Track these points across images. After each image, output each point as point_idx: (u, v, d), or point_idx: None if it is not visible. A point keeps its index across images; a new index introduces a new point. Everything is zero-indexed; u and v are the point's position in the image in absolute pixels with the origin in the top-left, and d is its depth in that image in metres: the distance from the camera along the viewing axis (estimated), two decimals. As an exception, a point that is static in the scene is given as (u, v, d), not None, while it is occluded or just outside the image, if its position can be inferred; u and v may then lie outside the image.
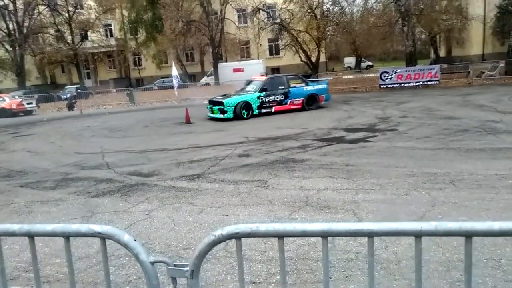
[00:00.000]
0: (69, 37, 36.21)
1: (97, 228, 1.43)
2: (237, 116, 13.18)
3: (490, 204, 4.29)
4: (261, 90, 13.77)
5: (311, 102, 14.39)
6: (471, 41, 31.64)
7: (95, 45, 37.93)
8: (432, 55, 37.14)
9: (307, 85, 14.64)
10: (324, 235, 1.26)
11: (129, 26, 40.31)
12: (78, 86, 33.89)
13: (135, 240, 1.40)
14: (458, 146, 7.14)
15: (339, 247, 3.52)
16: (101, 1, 36.01)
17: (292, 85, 14.27)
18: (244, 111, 13.31)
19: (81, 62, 38.52)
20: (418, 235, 1.21)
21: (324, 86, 15.09)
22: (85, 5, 36.82)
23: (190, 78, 35.17)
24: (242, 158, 7.43)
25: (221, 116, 13.40)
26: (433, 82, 19.66)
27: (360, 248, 3.50)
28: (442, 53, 38.25)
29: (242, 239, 1.36)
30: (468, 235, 1.19)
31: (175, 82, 16.81)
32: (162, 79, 34.35)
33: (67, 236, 1.50)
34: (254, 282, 2.99)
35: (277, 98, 13.94)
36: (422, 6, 23.53)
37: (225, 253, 3.52)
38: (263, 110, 13.75)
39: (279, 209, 4.62)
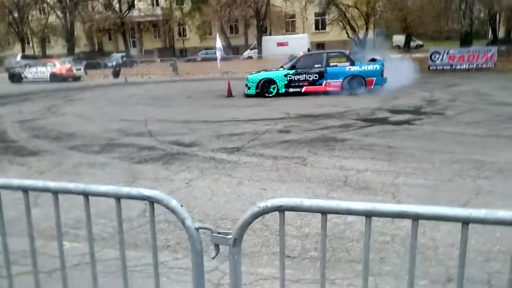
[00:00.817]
0: (117, 5, 37.01)
1: (146, 192, 1.52)
2: (260, 94, 12.81)
3: (541, 197, 4.08)
4: (291, 68, 12.94)
5: (356, 85, 12.50)
6: (535, 22, 29.11)
7: (142, 14, 38.59)
8: (490, 36, 34.64)
9: (352, 64, 12.70)
10: (368, 214, 1.27)
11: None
12: (124, 54, 34.82)
13: (182, 206, 1.48)
14: (510, 134, 6.75)
15: (375, 229, 3.49)
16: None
17: (332, 64, 12.72)
18: (269, 89, 12.79)
19: (127, 31, 39.43)
20: (466, 221, 1.18)
21: (377, 67, 12.58)
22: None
23: (233, 51, 35.14)
24: (282, 134, 7.45)
25: (247, 91, 13.23)
26: (488, 65, 18.43)
27: (396, 231, 3.46)
28: (501, 33, 35.55)
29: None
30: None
31: (218, 54, 16.84)
32: (206, 51, 34.55)
33: (118, 197, 1.60)
34: (288, 256, 3.06)
35: (309, 77, 12.73)
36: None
37: (261, 225, 3.60)
38: (291, 90, 12.81)
39: (316, 187, 4.63)
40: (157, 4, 42.15)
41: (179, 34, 43.67)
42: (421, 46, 39.94)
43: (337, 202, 1.27)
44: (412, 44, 37.25)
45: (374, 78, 12.54)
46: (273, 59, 26.16)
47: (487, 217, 1.15)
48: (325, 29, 34.97)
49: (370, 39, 31.78)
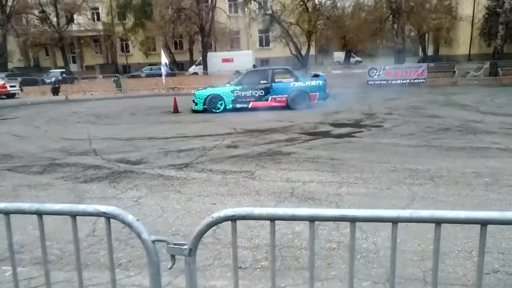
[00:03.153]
0: (54, 19, 35.42)
1: (102, 208, 1.53)
2: (208, 110, 12.87)
3: (465, 200, 4.51)
4: (237, 84, 13.09)
5: (299, 100, 12.86)
6: (458, 41, 32.24)
7: (81, 29, 37.23)
8: (420, 53, 37.68)
9: (296, 80, 13.00)
10: (312, 219, 1.39)
11: (117, 10, 39.65)
12: (63, 70, 33.28)
13: (138, 220, 1.51)
14: (440, 144, 7.38)
15: (322, 237, 3.68)
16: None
17: (277, 80, 12.94)
18: (216, 104, 12.88)
19: (66, 46, 37.78)
20: (395, 221, 1.34)
21: (320, 82, 13.00)
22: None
23: (178, 67, 34.94)
24: (230, 149, 7.54)
25: (194, 107, 13.16)
26: (419, 80, 20.02)
27: (341, 238, 3.66)
28: (430, 51, 38.81)
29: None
30: (438, 222, 1.34)
31: (163, 70, 16.71)
32: (150, 67, 34.02)
33: (74, 215, 1.60)
34: (240, 267, 3.12)
35: (255, 93, 12.90)
36: (412, 4, 23.83)
37: (213, 239, 3.64)
38: (238, 105, 12.96)
39: (265, 199, 4.75)
40: (98, 19, 40.94)
41: (122, 50, 42.64)
42: (360, 62, 42.39)
43: (284, 210, 1.38)
44: (352, 60, 39.40)
45: (318, 93, 12.95)
46: (219, 75, 26.42)
47: (412, 216, 1.32)
48: (269, 45, 35.99)
49: (312, 55, 33.22)
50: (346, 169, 5.91)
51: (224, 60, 31.56)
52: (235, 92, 12.95)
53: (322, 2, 27.98)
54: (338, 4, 27.31)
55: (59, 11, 35.42)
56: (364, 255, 3.33)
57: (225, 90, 13.06)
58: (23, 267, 3.18)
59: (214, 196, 4.91)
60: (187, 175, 5.83)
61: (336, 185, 5.19)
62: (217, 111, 12.90)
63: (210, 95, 12.97)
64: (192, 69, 34.01)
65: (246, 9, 29.54)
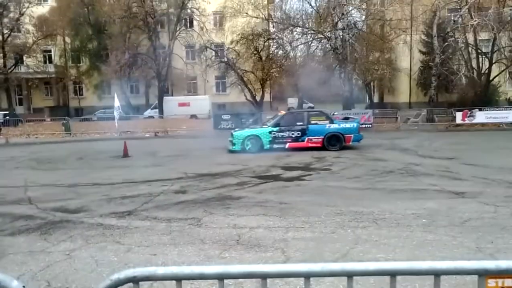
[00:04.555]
0: (1, 61, 34.11)
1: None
2: (244, 150, 13.14)
3: (405, 241, 4.62)
4: (275, 125, 13.57)
5: (335, 141, 13.32)
6: (399, 90, 34.72)
7: (30, 71, 36.05)
8: (367, 101, 40.00)
9: (331, 122, 13.59)
10: (220, 277, 1.32)
11: (71, 53, 39.04)
12: (7, 112, 31.64)
13: (24, 287, 1.36)
14: (383, 186, 7.65)
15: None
16: (41, 26, 34.66)
17: (313, 122, 13.54)
18: (252, 145, 13.23)
19: (12, 87, 36.19)
20: (306, 275, 1.31)
21: (354, 125, 13.68)
22: (23, 29, 35.21)
23: (133, 110, 34.47)
24: (178, 194, 7.34)
25: (231, 148, 13.41)
26: (366, 125, 21.04)
27: (286, 287, 3.56)
28: (376, 99, 41.33)
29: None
30: (349, 275, 1.32)
31: (116, 113, 16.39)
32: (104, 110, 33.27)
33: None
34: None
35: (293, 134, 13.42)
36: (357, 56, 25.55)
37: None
38: (275, 146, 13.35)
39: (209, 248, 4.59)
40: (50, 61, 39.98)
41: (75, 93, 41.55)
42: (313, 107, 44.15)
43: (191, 268, 1.31)
44: (305, 106, 40.92)
45: (352, 135, 13.51)
46: (175, 119, 26.31)
47: (323, 270, 1.30)
48: (226, 91, 36.66)
49: (267, 101, 34.15)
50: (294, 213, 5.91)
51: (181, 104, 31.59)
52: (272, 133, 13.36)
53: (275, 51, 29.26)
54: (290, 54, 28.66)
55: (6, 52, 34.24)
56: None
57: (263, 131, 13.53)
58: None
59: (155, 246, 4.67)
60: (129, 224, 5.55)
61: (283, 230, 5.15)
62: (252, 151, 13.07)
63: (248, 135, 13.29)
64: (148, 112, 33.65)
65: (202, 56, 30.19)
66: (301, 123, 13.57)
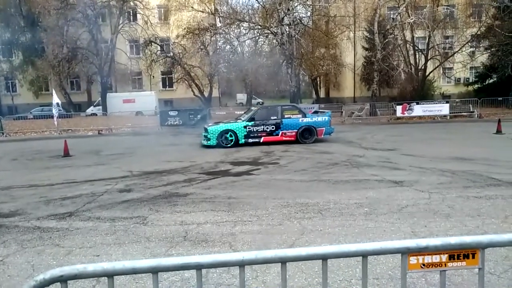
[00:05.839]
0: None
1: None
2: (220, 144, 13.13)
3: (348, 230, 4.83)
4: (250, 120, 13.59)
5: (308, 135, 13.70)
6: (344, 85, 36.08)
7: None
8: (314, 96, 41.13)
9: (304, 116, 13.87)
10: (154, 270, 1.30)
11: (1, 47, 36.13)
12: None
13: None
14: (328, 178, 7.92)
15: (212, 280, 3.57)
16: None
17: (286, 116, 13.73)
18: (228, 139, 13.25)
19: None
20: (240, 264, 1.33)
21: (325, 118, 14.06)
22: None
23: (75, 108, 32.71)
24: (122, 193, 7.10)
25: (206, 143, 13.38)
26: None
27: (232, 280, 3.59)
28: (322, 94, 42.62)
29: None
30: (283, 261, 1.36)
31: (55, 111, 15.51)
32: (41, 107, 31.23)
33: None
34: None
35: (267, 128, 13.58)
36: (303, 51, 26.16)
37: (89, 297, 3.28)
38: (250, 140, 13.45)
39: (156, 245, 4.50)
40: (-22, 55, 36.79)
41: (7, 90, 38.57)
42: (262, 103, 44.58)
43: (122, 263, 1.28)
44: (254, 101, 41.22)
45: (324, 128, 13.85)
46: (119, 116, 25.36)
47: (257, 258, 1.33)
48: (172, 86, 35.91)
49: (216, 97, 33.96)
50: (241, 207, 5.96)
51: (126, 101, 30.48)
52: (247, 127, 13.45)
53: (222, 46, 29.15)
54: (238, 49, 28.68)
55: None
56: (252, 295, 3.30)
57: (238, 125, 13.55)
58: None
59: (98, 247, 4.50)
60: (70, 225, 5.28)
61: (231, 224, 5.17)
62: (228, 145, 13.16)
63: (223, 130, 13.27)
64: (91, 110, 32.14)
65: (147, 50, 29.31)
66: (275, 117, 13.77)
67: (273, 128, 13.73)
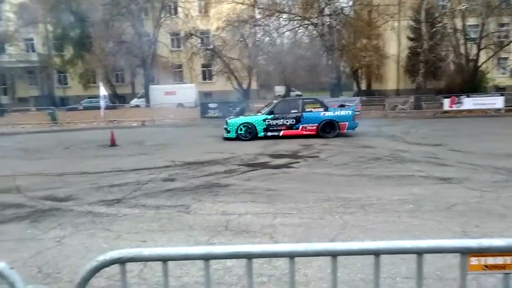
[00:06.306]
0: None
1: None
2: (239, 137, 13.28)
3: (391, 226, 4.72)
4: (269, 113, 13.60)
5: (329, 129, 13.36)
6: (387, 77, 34.88)
7: (13, 59, 35.21)
8: (355, 88, 40.15)
9: (326, 110, 13.56)
10: (205, 257, 1.35)
11: (53, 42, 38.14)
12: (-8, 102, 30.98)
13: (11, 268, 1.37)
14: (371, 173, 7.75)
15: (253, 271, 3.62)
16: (21, 13, 33.74)
17: (307, 110, 13.51)
18: (246, 132, 13.36)
19: (-5, 77, 35.41)
20: (290, 255, 1.35)
21: (349, 112, 13.67)
22: (3, 17, 34.25)
23: (119, 99, 34.01)
24: (166, 182, 7.34)
25: (226, 135, 13.58)
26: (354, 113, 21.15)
27: (273, 271, 3.62)
28: (364, 86, 41.50)
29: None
30: (333, 255, 1.36)
31: (102, 102, 16.16)
32: (90, 99, 32.76)
33: None
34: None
35: (287, 122, 13.44)
36: (344, 42, 25.56)
37: (138, 280, 3.44)
38: (269, 133, 13.42)
39: (198, 234, 4.63)
40: (33, 50, 39.02)
41: (60, 82, 40.74)
42: (300, 95, 44.16)
43: (176, 249, 1.33)
44: (292, 94, 40.91)
45: (347, 123, 13.49)
46: (161, 108, 26.08)
47: (307, 250, 1.33)
48: (212, 79, 36.38)
49: (254, 89, 34.04)
50: (281, 199, 5.97)
51: (167, 93, 31.28)
52: (267, 120, 13.42)
53: (261, 38, 29.08)
54: (277, 41, 28.51)
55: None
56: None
57: (257, 118, 13.56)
58: None
59: (144, 233, 4.69)
60: (118, 211, 5.54)
61: (271, 216, 5.21)
62: (246, 138, 13.23)
63: (242, 123, 13.39)
64: (134, 101, 33.28)
65: (187, 43, 29.83)
66: (295, 111, 13.54)
67: (293, 121, 13.52)
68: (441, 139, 12.35)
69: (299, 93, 45.65)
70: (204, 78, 38.51)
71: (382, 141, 12.34)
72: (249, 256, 1.36)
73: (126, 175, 8.16)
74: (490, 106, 20.93)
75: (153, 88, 32.55)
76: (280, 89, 41.68)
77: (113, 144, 12.94)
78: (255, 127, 13.42)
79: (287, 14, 26.39)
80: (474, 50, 26.93)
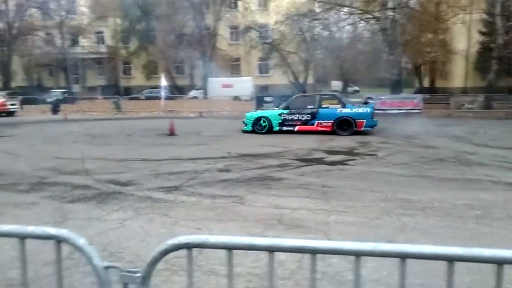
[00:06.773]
0: (59, 41, 36.05)
1: (52, 231, 1.47)
2: (255, 130, 13.55)
3: (456, 232, 4.43)
4: (285, 108, 13.69)
5: (345, 126, 12.95)
6: (453, 74, 32.69)
7: (85, 51, 37.82)
8: (417, 85, 38.17)
9: (343, 107, 13.16)
10: (270, 249, 1.34)
11: (121, 34, 40.42)
12: (65, 90, 33.58)
13: (90, 244, 1.45)
14: (433, 174, 7.34)
15: (306, 267, 3.56)
16: (94, 8, 36.09)
17: (324, 105, 13.23)
18: (261, 126, 13.56)
19: (69, 67, 38.29)
20: (356, 254, 1.30)
21: (367, 110, 13.22)
22: (78, 11, 36.85)
23: (178, 90, 35.30)
24: (221, 173, 7.48)
25: (244, 128, 13.92)
26: (415, 111, 20.18)
27: (327, 268, 3.53)
28: (426, 83, 39.29)
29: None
30: (402, 257, 1.29)
31: (163, 93, 16.90)
32: (151, 89, 34.36)
33: (22, 237, 1.54)
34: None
35: (302, 117, 13.31)
36: (408, 37, 24.34)
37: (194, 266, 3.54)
38: (284, 128, 13.42)
39: (252, 226, 4.66)
40: (102, 42, 41.66)
41: (124, 73, 43.16)
42: (358, 91, 42.90)
43: (241, 238, 1.33)
44: (349, 89, 39.88)
45: (365, 121, 13.02)
46: (218, 100, 26.64)
47: (374, 250, 1.27)
48: (268, 73, 36.47)
49: (310, 84, 33.62)
50: (337, 197, 5.85)
51: (224, 86, 31.89)
52: (282, 115, 13.48)
53: (320, 32, 28.58)
54: (336, 35, 27.87)
55: (64, 33, 36.07)
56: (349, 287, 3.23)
57: (273, 113, 13.75)
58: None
59: (200, 221, 4.82)
60: (176, 198, 5.75)
61: (326, 213, 5.11)
62: (262, 131, 13.44)
63: (258, 116, 13.69)
64: (193, 93, 34.33)
65: (246, 37, 30.16)
66: (311, 106, 13.32)
67: (308, 117, 13.28)
68: (513, 142, 11.38)
69: (356, 88, 44.41)
70: (261, 72, 38.72)
71: (445, 142, 11.62)
72: (315, 252, 1.32)
73: (184, 163, 8.44)
74: None
75: (211, 80, 33.34)
76: (336, 84, 40.85)
77: (172, 133, 13.46)
78: (270, 121, 13.48)
79: (347, 8, 25.66)
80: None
